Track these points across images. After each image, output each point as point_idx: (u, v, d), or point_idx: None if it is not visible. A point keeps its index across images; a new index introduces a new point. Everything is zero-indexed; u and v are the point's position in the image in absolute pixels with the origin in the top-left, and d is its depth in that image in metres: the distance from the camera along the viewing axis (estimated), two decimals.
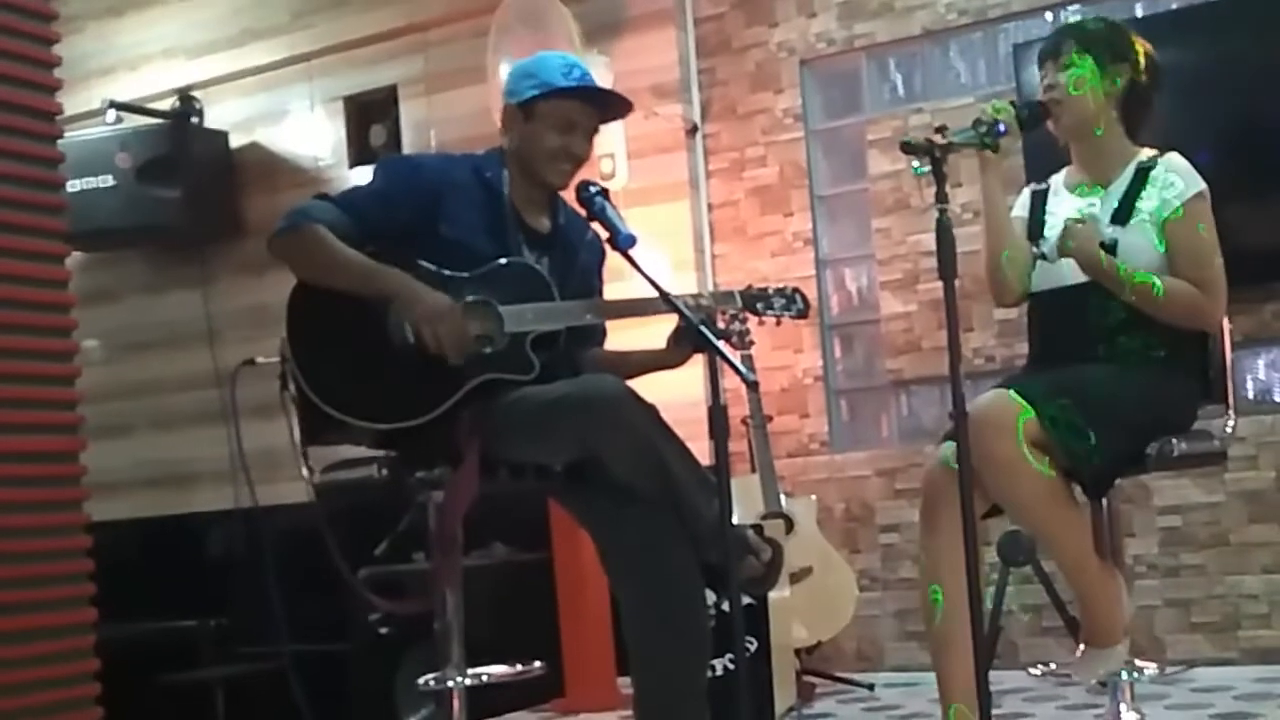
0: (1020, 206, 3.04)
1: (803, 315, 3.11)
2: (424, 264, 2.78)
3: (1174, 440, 2.76)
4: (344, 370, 2.76)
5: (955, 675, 2.67)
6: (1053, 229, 2.92)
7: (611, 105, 2.97)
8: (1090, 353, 2.83)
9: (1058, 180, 3.06)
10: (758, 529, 2.83)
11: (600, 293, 3.06)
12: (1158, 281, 2.80)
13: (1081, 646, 2.82)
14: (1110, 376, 2.76)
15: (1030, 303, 2.98)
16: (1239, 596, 4.12)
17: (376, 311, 2.75)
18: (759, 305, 3.05)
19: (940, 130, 2.64)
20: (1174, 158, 2.92)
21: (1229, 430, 2.94)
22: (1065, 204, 2.97)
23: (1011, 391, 2.67)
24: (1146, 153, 2.95)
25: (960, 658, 2.58)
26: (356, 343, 2.76)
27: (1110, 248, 2.82)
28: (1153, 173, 2.89)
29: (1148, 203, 2.87)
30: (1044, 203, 3.01)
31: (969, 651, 2.42)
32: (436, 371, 2.73)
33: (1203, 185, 2.88)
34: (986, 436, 2.58)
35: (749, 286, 3.09)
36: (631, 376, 2.74)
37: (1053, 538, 2.71)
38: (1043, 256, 2.93)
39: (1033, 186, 3.08)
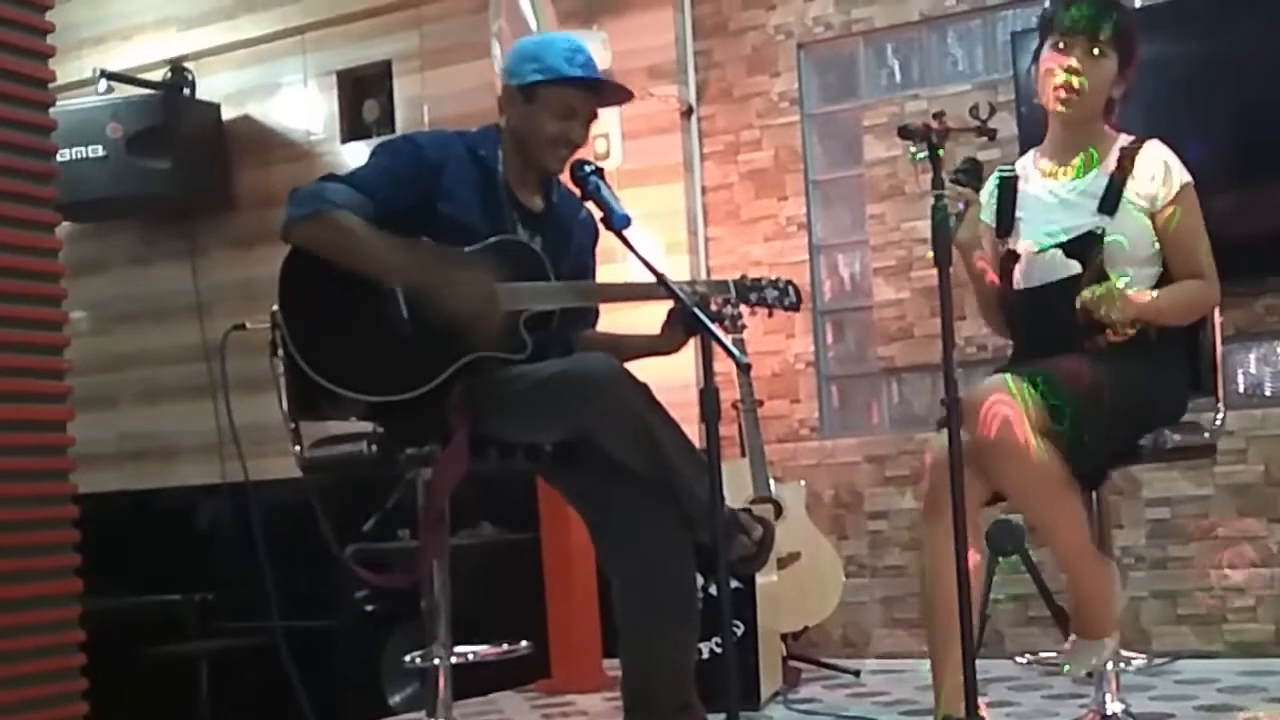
0: (987, 194, 2.96)
1: (795, 308, 3.10)
2: (425, 241, 2.77)
3: (1166, 432, 2.76)
4: (336, 341, 2.75)
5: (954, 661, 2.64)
6: (1029, 227, 2.88)
7: (612, 93, 2.95)
8: (1078, 346, 2.78)
9: (1027, 164, 2.99)
10: (747, 511, 2.83)
11: (593, 272, 3.06)
12: (1172, 292, 2.81)
13: (1072, 637, 2.81)
14: (1102, 366, 2.72)
15: (1017, 299, 2.90)
16: (1226, 589, 4.13)
17: (371, 284, 2.74)
18: (752, 296, 3.04)
19: (938, 116, 2.61)
20: (1159, 145, 2.87)
21: (1218, 423, 2.93)
22: (1042, 190, 2.91)
23: (1013, 377, 2.64)
24: (1124, 137, 2.90)
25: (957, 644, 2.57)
26: (349, 314, 2.75)
27: (1099, 236, 2.79)
28: (1138, 159, 2.84)
29: (1136, 189, 2.82)
30: (1014, 193, 2.94)
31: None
32: (429, 346, 2.72)
33: (1189, 176, 2.85)
34: (993, 421, 2.56)
35: (743, 276, 3.08)
36: (624, 361, 2.74)
37: (1053, 525, 2.69)
38: (1012, 252, 2.90)
39: (1000, 172, 2.99)
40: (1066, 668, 2.85)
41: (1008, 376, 2.65)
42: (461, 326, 2.70)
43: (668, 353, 2.87)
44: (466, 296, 2.69)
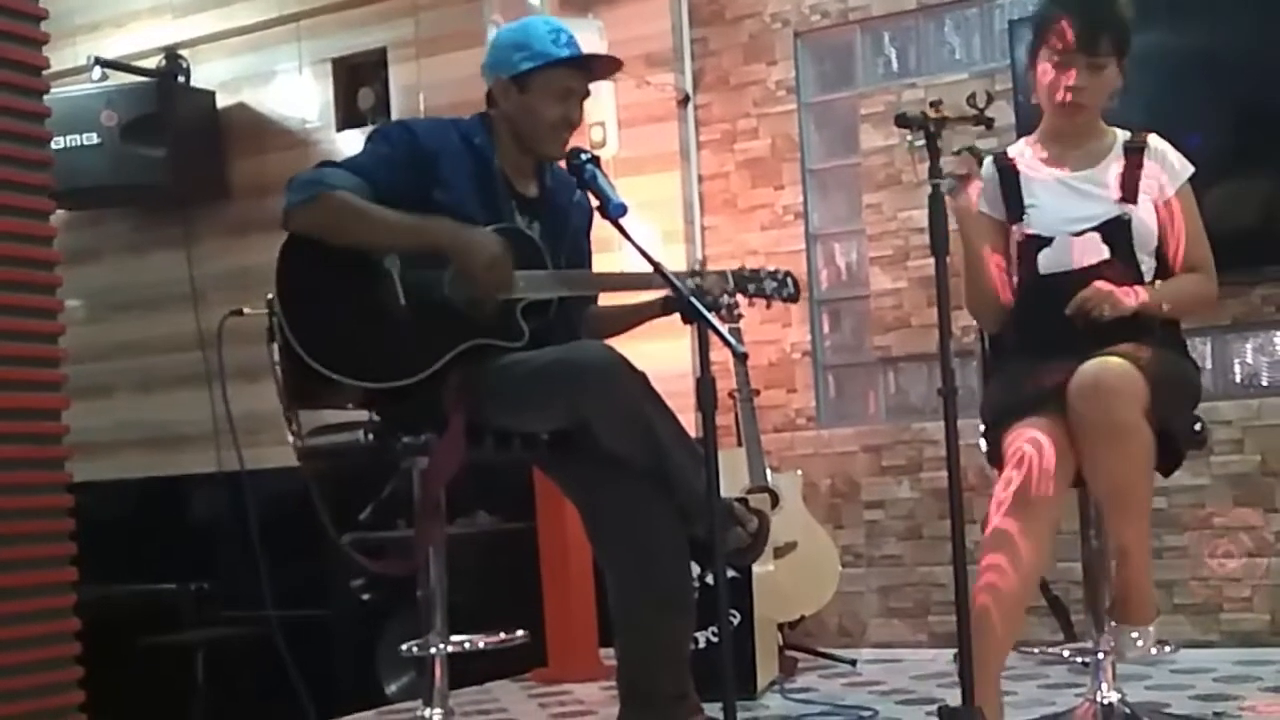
0: (988, 180, 2.94)
1: (793, 299, 3.10)
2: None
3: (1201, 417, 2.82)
4: (333, 328, 2.75)
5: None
6: (1044, 213, 2.88)
7: (602, 67, 2.96)
8: (1104, 336, 2.74)
9: (1024, 152, 2.98)
10: (743, 501, 2.83)
11: (589, 255, 3.06)
12: (1175, 284, 2.84)
13: (1112, 624, 2.80)
14: (1160, 352, 2.72)
15: (1039, 284, 2.88)
16: (1221, 579, 4.13)
17: (368, 270, 2.73)
18: (750, 286, 3.04)
19: (935, 105, 2.60)
20: (1159, 139, 2.92)
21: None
22: (1048, 178, 2.92)
23: (1118, 358, 2.61)
24: (1121, 132, 2.93)
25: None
26: (347, 301, 2.75)
27: (1128, 223, 2.83)
28: (1146, 153, 2.89)
29: (1146, 181, 2.87)
30: (1015, 179, 2.94)
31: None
32: (426, 333, 2.72)
33: (1192, 168, 2.91)
34: (1110, 398, 2.55)
35: (741, 267, 3.08)
36: (629, 326, 2.73)
37: (1140, 510, 2.68)
38: (1037, 236, 2.89)
39: (995, 159, 2.98)
40: (1136, 655, 2.82)
41: (1118, 358, 2.62)
42: (474, 285, 2.69)
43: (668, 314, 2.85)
44: (479, 250, 2.70)
